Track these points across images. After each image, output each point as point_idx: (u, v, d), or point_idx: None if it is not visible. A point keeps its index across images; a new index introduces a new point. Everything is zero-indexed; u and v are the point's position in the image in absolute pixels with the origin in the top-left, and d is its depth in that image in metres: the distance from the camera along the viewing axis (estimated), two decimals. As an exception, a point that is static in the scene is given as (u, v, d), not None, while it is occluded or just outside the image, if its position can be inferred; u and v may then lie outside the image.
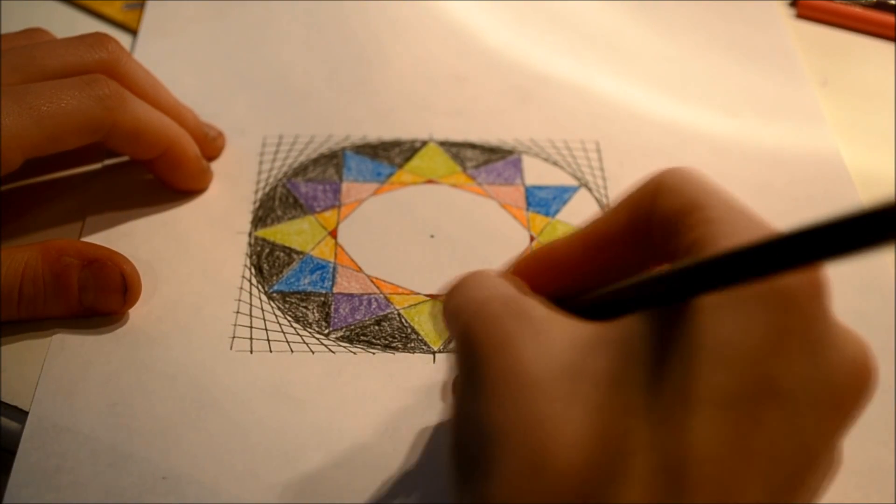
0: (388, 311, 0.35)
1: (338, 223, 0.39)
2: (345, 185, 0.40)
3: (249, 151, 0.41)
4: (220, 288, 0.36)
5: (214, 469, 0.30)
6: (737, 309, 0.21)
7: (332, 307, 0.35)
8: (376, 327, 0.35)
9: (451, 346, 0.26)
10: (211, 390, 0.32)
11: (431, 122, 0.43)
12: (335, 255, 0.37)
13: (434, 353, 0.34)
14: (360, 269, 0.37)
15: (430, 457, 0.31)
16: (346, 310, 0.35)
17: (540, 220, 0.39)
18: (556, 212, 0.39)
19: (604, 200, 0.40)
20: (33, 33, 0.38)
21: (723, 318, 0.21)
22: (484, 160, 0.41)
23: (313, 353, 0.34)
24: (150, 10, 0.49)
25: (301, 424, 0.31)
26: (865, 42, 0.49)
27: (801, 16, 0.50)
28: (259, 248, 0.37)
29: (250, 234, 0.38)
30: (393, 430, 0.31)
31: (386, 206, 0.39)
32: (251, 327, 0.34)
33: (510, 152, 0.42)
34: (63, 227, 0.38)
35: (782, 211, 0.39)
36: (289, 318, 0.35)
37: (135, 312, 0.34)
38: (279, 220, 0.39)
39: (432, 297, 0.36)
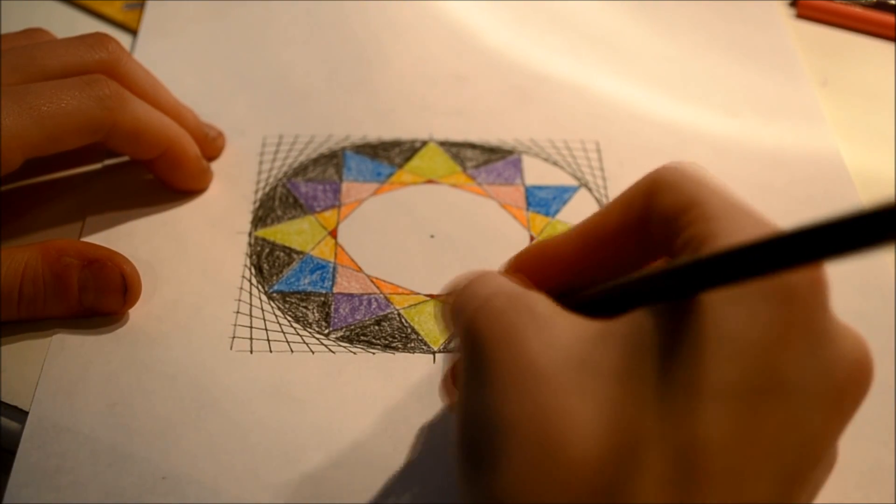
0: (388, 311, 0.35)
1: (338, 223, 0.39)
2: (345, 185, 0.40)
3: (249, 151, 0.41)
4: (220, 288, 0.36)
5: (214, 469, 0.30)
6: (742, 303, 0.21)
7: (332, 307, 0.35)
8: (376, 327, 0.35)
9: (455, 342, 0.26)
10: (211, 390, 0.32)
11: (431, 122, 0.43)
12: (335, 254, 0.37)
13: (434, 353, 0.34)
14: (360, 269, 0.37)
15: (430, 457, 0.31)
16: (346, 310, 0.35)
17: (540, 220, 0.39)
18: (556, 212, 0.39)
19: (604, 200, 0.40)
20: (33, 33, 0.38)
21: (729, 312, 0.21)
22: (484, 160, 0.41)
23: (313, 353, 0.34)
24: (150, 10, 0.49)
25: (301, 424, 0.31)
26: (865, 42, 0.49)
27: (801, 16, 0.50)
28: (259, 248, 0.37)
29: (250, 234, 0.38)
30: (393, 430, 0.31)
31: (386, 206, 0.39)
32: (251, 327, 0.34)
33: (510, 152, 0.42)
34: (63, 227, 0.38)
35: (782, 211, 0.39)
36: (289, 318, 0.35)
37: (135, 312, 0.35)
38: (279, 220, 0.39)
39: (432, 297, 0.36)
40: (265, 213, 0.39)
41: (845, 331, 0.23)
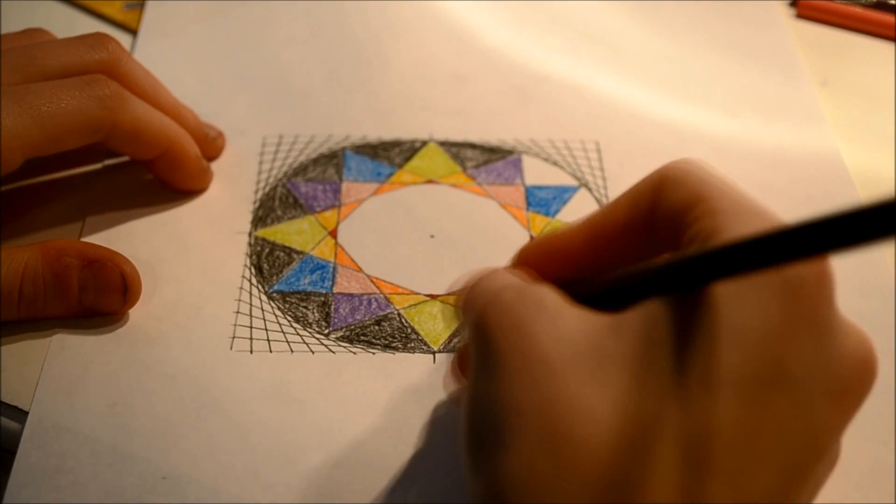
0: (388, 311, 0.35)
1: (338, 223, 0.39)
2: (345, 185, 0.40)
3: (249, 151, 0.41)
4: (220, 288, 0.36)
5: (214, 469, 0.30)
6: (750, 295, 0.22)
7: (332, 307, 0.35)
8: (376, 327, 0.35)
9: (465, 335, 0.26)
10: (211, 390, 0.32)
11: (431, 122, 0.43)
12: (335, 254, 0.37)
13: (434, 353, 0.34)
14: (360, 269, 0.37)
15: (431, 457, 0.31)
16: (346, 310, 0.35)
17: (540, 220, 0.39)
18: (556, 212, 0.39)
19: (604, 200, 0.40)
20: (33, 33, 0.38)
21: (738, 303, 0.22)
22: (484, 160, 0.41)
23: (313, 353, 0.34)
24: (150, 10, 0.49)
25: (301, 424, 0.31)
26: (865, 42, 0.49)
27: (801, 16, 0.50)
28: (259, 248, 0.37)
29: (250, 234, 0.38)
30: (393, 430, 0.31)
31: (386, 206, 0.39)
32: (251, 327, 0.34)
33: (510, 152, 0.42)
34: (63, 227, 0.38)
35: (782, 211, 0.38)
36: (289, 318, 0.35)
37: (135, 312, 0.34)
38: (279, 219, 0.39)
39: (432, 297, 0.36)
40: (265, 213, 0.39)
41: (850, 328, 0.23)
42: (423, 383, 0.33)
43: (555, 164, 0.41)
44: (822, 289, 0.22)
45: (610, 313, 0.24)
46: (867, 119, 0.44)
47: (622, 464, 0.21)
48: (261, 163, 0.41)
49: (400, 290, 0.36)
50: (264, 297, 0.36)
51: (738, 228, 0.23)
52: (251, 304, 0.35)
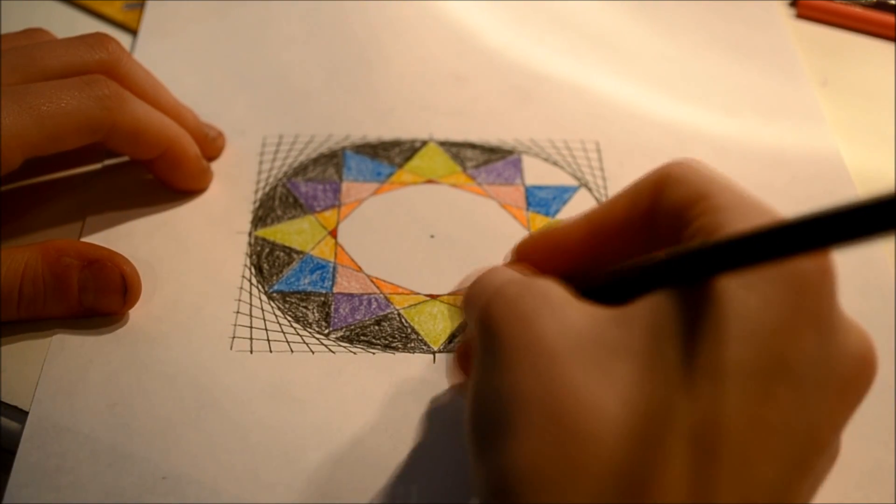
0: (388, 311, 0.35)
1: (338, 223, 0.39)
2: (345, 185, 0.40)
3: (249, 151, 0.41)
4: (220, 288, 0.36)
5: (214, 469, 0.30)
6: (755, 288, 0.22)
7: (332, 307, 0.35)
8: (376, 327, 0.35)
9: (468, 332, 0.27)
10: (211, 390, 0.32)
11: (431, 122, 0.43)
12: (335, 254, 0.37)
13: (434, 353, 0.34)
14: (360, 269, 0.37)
15: (430, 456, 0.31)
16: (346, 310, 0.35)
17: (540, 220, 0.39)
18: (556, 212, 0.39)
19: (603, 200, 0.40)
20: (33, 33, 0.38)
21: (743, 296, 0.22)
22: (484, 160, 0.41)
23: (313, 353, 0.34)
24: (150, 10, 0.49)
25: (301, 424, 0.31)
26: (865, 42, 0.49)
27: (801, 16, 0.50)
28: (259, 248, 0.37)
29: (250, 234, 0.38)
30: (393, 430, 0.31)
31: (386, 205, 0.39)
32: (251, 327, 0.34)
33: (510, 152, 0.42)
34: (63, 227, 0.38)
35: (782, 210, 0.38)
36: (289, 318, 0.35)
37: (135, 312, 0.34)
38: (279, 219, 0.39)
39: (432, 297, 0.36)
40: (265, 212, 0.39)
41: (851, 325, 0.24)
42: (422, 383, 0.33)
43: (555, 164, 0.41)
44: (825, 284, 0.22)
45: (613, 306, 0.24)
46: (867, 119, 0.44)
47: (632, 456, 0.21)
48: (261, 163, 0.41)
49: (400, 290, 0.36)
50: (264, 297, 0.36)
51: (741, 224, 0.23)
52: (251, 304, 0.35)
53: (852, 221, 0.18)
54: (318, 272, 0.37)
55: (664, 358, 0.22)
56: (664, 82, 0.46)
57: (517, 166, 0.41)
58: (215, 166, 0.40)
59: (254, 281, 0.36)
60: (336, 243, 0.38)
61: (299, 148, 0.42)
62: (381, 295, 0.36)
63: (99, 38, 0.37)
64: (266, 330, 0.34)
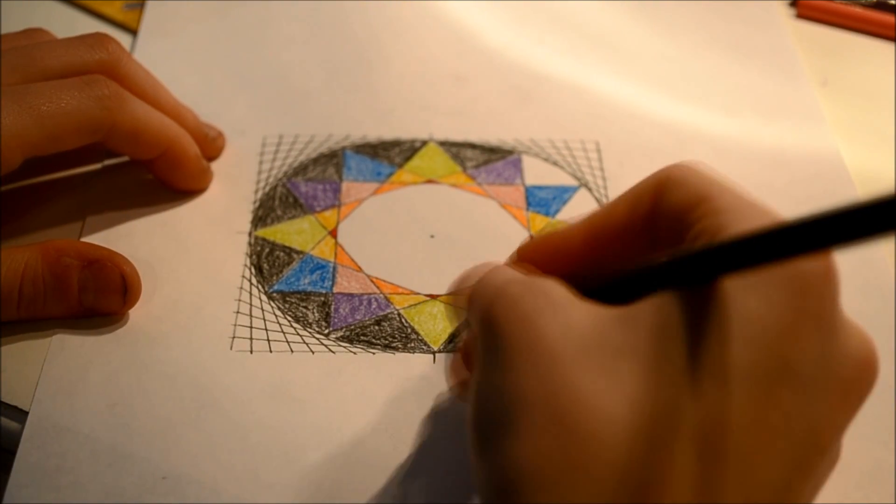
0: (388, 311, 0.35)
1: (338, 223, 0.39)
2: (345, 185, 0.40)
3: (249, 151, 0.41)
4: (220, 288, 0.36)
5: (214, 469, 0.30)
6: (758, 290, 0.22)
7: (332, 307, 0.35)
8: (376, 327, 0.35)
9: (470, 331, 0.27)
10: (211, 390, 0.32)
11: (431, 122, 0.43)
12: (335, 254, 0.37)
13: (434, 353, 0.34)
14: (360, 269, 0.37)
15: (431, 457, 0.31)
16: (346, 310, 0.35)
17: (540, 220, 0.39)
18: (556, 212, 0.39)
19: (603, 200, 0.40)
20: (33, 33, 0.38)
21: (747, 298, 0.22)
22: (484, 160, 0.41)
23: (313, 353, 0.34)
24: (150, 10, 0.49)
25: (301, 424, 0.31)
26: (865, 42, 0.49)
27: (801, 16, 0.50)
28: (259, 248, 0.37)
29: (250, 234, 0.38)
30: (393, 430, 0.31)
31: (386, 205, 0.39)
32: (251, 327, 0.34)
33: (510, 152, 0.42)
34: (63, 227, 0.38)
35: (782, 211, 0.38)
36: (289, 318, 0.35)
37: (135, 312, 0.34)
38: (279, 219, 0.39)
39: (432, 297, 0.36)
40: (265, 212, 0.39)
41: (853, 328, 0.24)
42: (422, 383, 0.33)
43: (555, 164, 0.41)
44: (828, 287, 0.22)
45: (616, 307, 0.24)
46: (867, 119, 0.44)
47: (635, 457, 0.21)
48: (261, 163, 0.41)
49: (400, 290, 0.36)
50: (264, 297, 0.36)
51: (743, 226, 0.23)
52: (251, 304, 0.35)
53: (853, 222, 0.18)
54: (318, 272, 0.37)
55: (668, 359, 0.22)
56: (664, 82, 0.46)
57: (517, 166, 0.41)
58: (215, 166, 0.40)
59: (254, 281, 0.36)
60: (336, 243, 0.38)
61: (299, 148, 0.42)
62: (381, 295, 0.36)
63: (99, 38, 0.37)
64: (266, 330, 0.34)
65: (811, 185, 0.41)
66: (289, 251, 0.37)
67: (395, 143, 0.42)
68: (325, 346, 0.34)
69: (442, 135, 0.43)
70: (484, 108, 0.44)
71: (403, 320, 0.35)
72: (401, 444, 0.31)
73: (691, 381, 0.21)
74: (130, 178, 0.40)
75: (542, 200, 0.40)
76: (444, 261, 0.37)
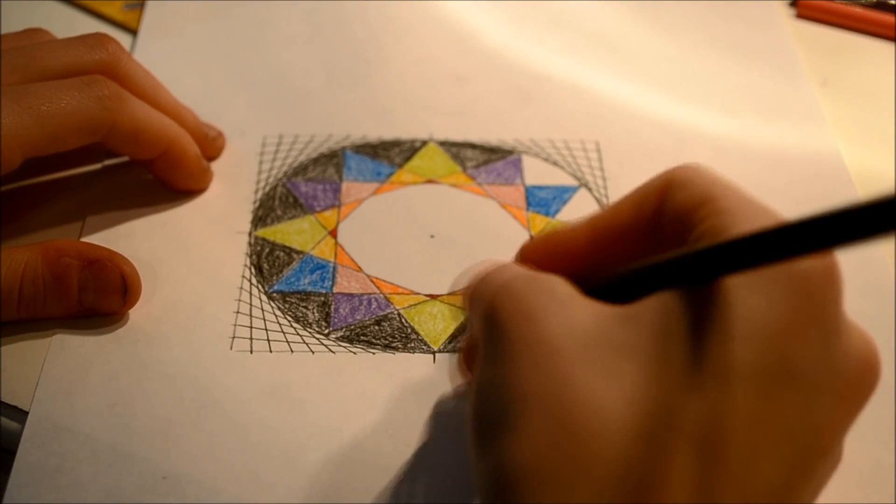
0: (388, 311, 0.35)
1: (338, 223, 0.39)
2: (345, 185, 0.40)
3: (249, 151, 0.41)
4: (220, 288, 0.36)
5: (214, 469, 0.30)
6: (761, 290, 0.22)
7: (332, 307, 0.35)
8: (376, 327, 0.35)
9: (473, 327, 0.27)
10: (211, 390, 0.32)
11: (431, 122, 0.43)
12: (335, 254, 0.37)
13: (434, 353, 0.34)
14: (360, 269, 0.37)
15: (431, 457, 0.31)
16: (346, 310, 0.35)
17: (540, 220, 0.39)
18: (556, 212, 0.39)
19: (604, 200, 0.40)
20: (33, 33, 0.38)
21: (750, 297, 0.22)
22: (484, 160, 0.41)
23: (313, 353, 0.34)
24: (150, 10, 0.49)
25: (301, 424, 0.31)
26: (865, 42, 0.49)
27: (801, 16, 0.50)
28: (259, 248, 0.37)
29: (250, 234, 0.38)
30: (393, 430, 0.31)
31: (386, 205, 0.39)
32: (251, 327, 0.34)
33: (510, 152, 0.42)
34: (63, 227, 0.38)
35: (782, 211, 0.39)
36: (289, 318, 0.35)
37: (135, 312, 0.35)
38: (279, 219, 0.39)
39: (432, 297, 0.36)
40: (265, 212, 0.39)
41: (855, 329, 0.24)
42: (423, 383, 0.33)
43: (555, 164, 0.41)
44: (831, 287, 0.23)
45: (619, 305, 0.24)
46: (867, 119, 0.44)
47: (636, 456, 0.21)
48: (261, 163, 0.41)
49: (400, 290, 0.36)
50: (264, 297, 0.36)
51: (747, 226, 0.23)
52: (251, 304, 0.35)
53: (853, 222, 0.18)
54: (318, 272, 0.37)
55: (670, 358, 0.22)
56: (664, 82, 0.46)
57: (517, 166, 0.41)
58: (215, 166, 0.40)
59: (254, 281, 0.36)
60: (336, 243, 0.38)
61: (299, 148, 0.42)
62: (381, 295, 0.36)
63: (99, 38, 0.37)
64: (266, 330, 0.34)
65: (811, 185, 0.41)
66: (289, 251, 0.37)
67: (395, 143, 0.42)
68: (325, 346, 0.34)
69: (442, 135, 0.43)
70: (484, 108, 0.44)
71: (403, 320, 0.35)
72: (401, 445, 0.31)
73: (692, 380, 0.21)
74: (130, 178, 0.40)
75: (542, 200, 0.40)
76: (444, 261, 0.37)
